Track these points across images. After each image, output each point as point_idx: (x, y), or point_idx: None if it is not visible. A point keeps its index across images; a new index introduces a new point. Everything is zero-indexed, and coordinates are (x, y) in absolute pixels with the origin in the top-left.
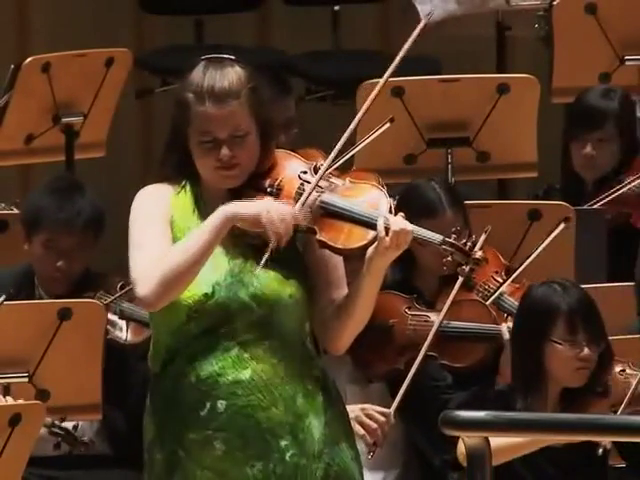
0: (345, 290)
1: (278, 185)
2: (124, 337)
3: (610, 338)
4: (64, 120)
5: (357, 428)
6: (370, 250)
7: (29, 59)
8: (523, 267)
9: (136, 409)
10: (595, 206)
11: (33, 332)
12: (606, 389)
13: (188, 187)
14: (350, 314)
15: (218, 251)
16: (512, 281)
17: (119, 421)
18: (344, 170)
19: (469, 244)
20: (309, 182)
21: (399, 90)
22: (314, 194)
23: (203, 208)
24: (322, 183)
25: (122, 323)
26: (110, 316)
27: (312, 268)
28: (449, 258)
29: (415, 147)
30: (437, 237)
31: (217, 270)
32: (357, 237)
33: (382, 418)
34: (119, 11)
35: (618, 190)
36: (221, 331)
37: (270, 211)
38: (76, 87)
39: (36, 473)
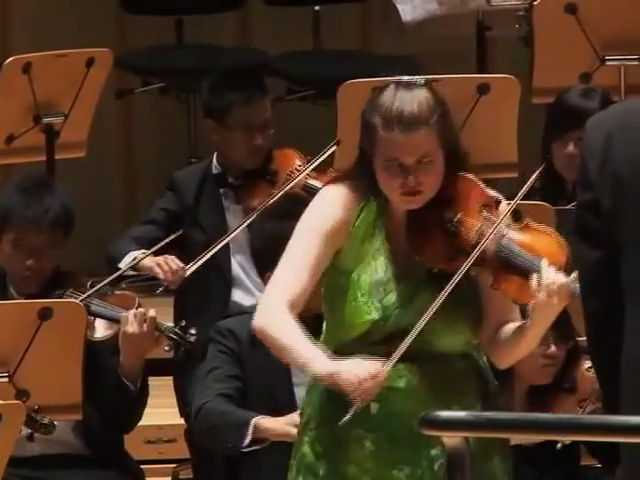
0: (516, 312)
1: (458, 221)
2: (93, 334)
3: (584, 338)
4: (45, 120)
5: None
6: (532, 302)
7: (10, 59)
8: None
9: (109, 408)
10: None
11: (13, 332)
12: (574, 386)
13: (373, 202)
14: (515, 348)
15: (391, 277)
16: None
17: (94, 420)
18: (322, 171)
19: None
20: (491, 220)
21: None
22: (494, 238)
23: (385, 224)
24: (501, 225)
25: (92, 320)
26: None
27: (483, 292)
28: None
29: None
30: None
31: (389, 297)
32: (529, 292)
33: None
34: (100, 11)
35: None
36: (379, 342)
37: (352, 372)
38: (57, 87)
39: (15, 473)
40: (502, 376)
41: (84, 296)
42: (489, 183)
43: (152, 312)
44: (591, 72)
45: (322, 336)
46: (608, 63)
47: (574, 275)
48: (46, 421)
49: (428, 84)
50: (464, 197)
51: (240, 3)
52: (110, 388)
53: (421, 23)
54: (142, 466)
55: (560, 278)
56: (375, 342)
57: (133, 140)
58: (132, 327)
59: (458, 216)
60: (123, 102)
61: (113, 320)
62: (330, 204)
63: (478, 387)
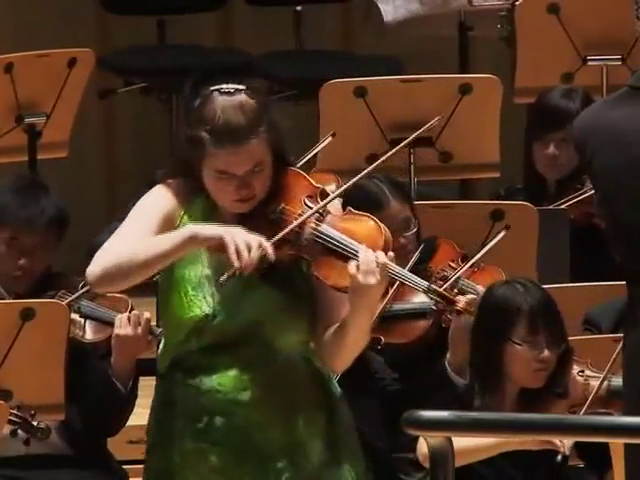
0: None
1: (281, 211)
2: (84, 335)
3: (572, 338)
4: (27, 120)
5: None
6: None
7: None
8: (480, 255)
9: (93, 408)
10: (562, 207)
11: None
12: (565, 390)
13: (200, 202)
14: (342, 345)
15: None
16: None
17: (76, 420)
18: (305, 170)
19: (455, 291)
20: (311, 209)
21: (362, 90)
22: (310, 225)
23: (214, 222)
24: (320, 213)
25: (82, 321)
26: (71, 315)
27: (317, 289)
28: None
29: (377, 147)
30: (423, 284)
31: (221, 292)
32: (347, 276)
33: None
34: (81, 11)
35: (583, 191)
36: (222, 350)
37: (235, 237)
38: (39, 87)
39: None
40: (489, 378)
41: (73, 297)
42: (472, 182)
43: (147, 315)
44: (573, 72)
45: (161, 343)
46: (590, 63)
47: (391, 255)
48: (42, 425)
49: (248, 89)
50: (289, 188)
51: (222, 3)
52: (98, 389)
53: (403, 23)
54: (125, 466)
55: (376, 259)
56: (209, 348)
57: (115, 140)
58: (126, 329)
59: (281, 206)
60: (105, 102)
61: (105, 322)
62: (158, 198)
63: (320, 396)
